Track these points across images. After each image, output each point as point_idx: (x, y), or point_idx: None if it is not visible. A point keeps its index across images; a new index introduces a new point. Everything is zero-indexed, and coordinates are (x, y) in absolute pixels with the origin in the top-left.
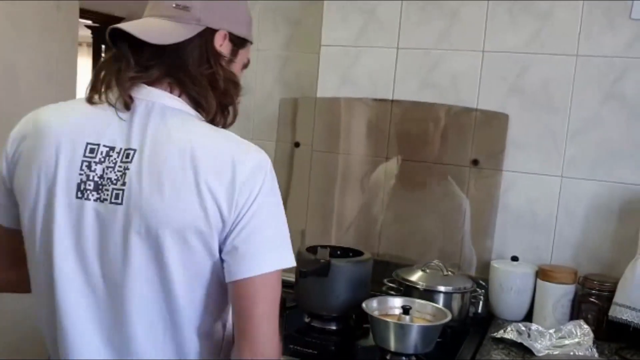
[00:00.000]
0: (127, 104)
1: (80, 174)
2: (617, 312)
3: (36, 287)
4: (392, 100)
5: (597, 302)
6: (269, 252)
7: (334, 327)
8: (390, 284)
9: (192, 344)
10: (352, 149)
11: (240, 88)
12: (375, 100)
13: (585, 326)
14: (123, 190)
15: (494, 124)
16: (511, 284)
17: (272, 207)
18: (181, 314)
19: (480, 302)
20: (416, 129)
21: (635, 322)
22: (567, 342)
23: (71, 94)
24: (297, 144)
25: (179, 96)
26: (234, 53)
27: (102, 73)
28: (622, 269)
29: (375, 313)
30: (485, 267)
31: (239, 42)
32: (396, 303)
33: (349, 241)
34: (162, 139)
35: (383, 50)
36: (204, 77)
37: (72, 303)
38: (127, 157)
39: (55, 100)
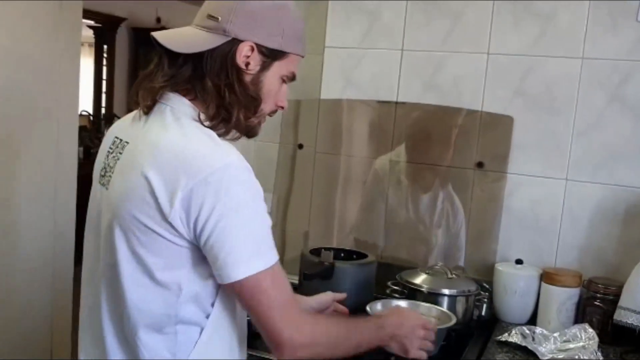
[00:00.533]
0: (147, 108)
1: (104, 162)
2: (622, 316)
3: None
4: (396, 103)
5: (602, 305)
6: (246, 260)
7: None
8: (395, 287)
9: (144, 338)
10: (356, 151)
11: (259, 103)
12: (379, 102)
13: (590, 330)
14: (111, 177)
15: (498, 127)
16: (515, 287)
17: (235, 216)
18: (127, 306)
19: (485, 305)
20: (420, 131)
21: None
22: (571, 345)
23: (74, 93)
24: (300, 146)
25: (192, 100)
26: (266, 65)
27: (138, 82)
28: (627, 273)
29: None
30: (489, 270)
31: (272, 54)
32: (401, 305)
33: (353, 243)
34: (142, 134)
35: (387, 52)
36: (217, 86)
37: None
38: (123, 148)
39: (58, 98)
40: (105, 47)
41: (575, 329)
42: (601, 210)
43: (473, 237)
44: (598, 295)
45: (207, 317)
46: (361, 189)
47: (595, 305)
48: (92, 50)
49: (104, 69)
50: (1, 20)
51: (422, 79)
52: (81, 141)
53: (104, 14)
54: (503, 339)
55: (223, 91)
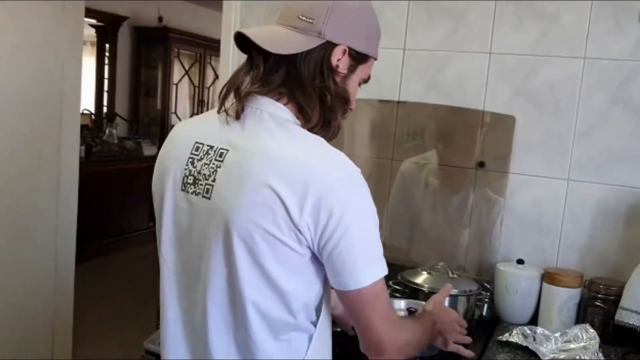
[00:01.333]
0: (238, 114)
1: (186, 169)
2: (624, 317)
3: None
4: (398, 102)
5: (603, 306)
6: (363, 268)
7: (338, 329)
8: (396, 287)
9: (261, 344)
10: (358, 150)
11: (350, 105)
12: (381, 101)
13: (591, 330)
14: (213, 186)
15: (500, 127)
16: (517, 287)
17: (361, 222)
18: (246, 313)
19: (486, 305)
20: (422, 130)
21: None
22: (572, 346)
23: (76, 92)
24: None
25: (286, 104)
26: (353, 68)
27: (229, 84)
28: (628, 273)
29: None
30: (491, 270)
31: (359, 58)
32: (401, 305)
33: None
34: (251, 142)
35: (389, 51)
36: (315, 89)
37: (166, 288)
38: (220, 156)
39: (61, 97)
40: (107, 45)
41: (577, 329)
42: (603, 211)
43: (475, 236)
44: (599, 295)
45: (312, 323)
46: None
47: (597, 305)
48: (94, 49)
49: (106, 67)
50: (4, 19)
51: (425, 78)
52: (83, 140)
53: (106, 13)
54: (504, 339)
55: (322, 95)
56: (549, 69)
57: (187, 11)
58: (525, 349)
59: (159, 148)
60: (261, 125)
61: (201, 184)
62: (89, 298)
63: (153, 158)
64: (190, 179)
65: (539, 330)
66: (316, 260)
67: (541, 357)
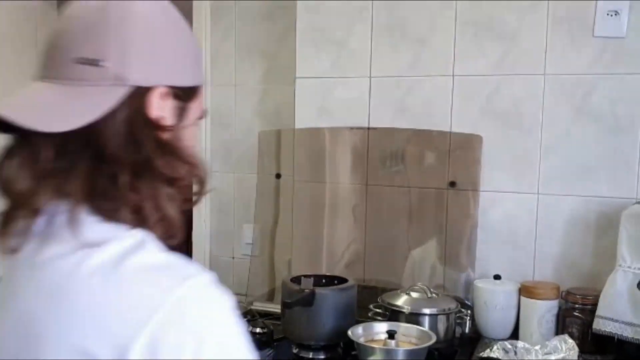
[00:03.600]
0: (5, 238)
1: None
2: (601, 325)
3: None
4: (369, 128)
5: (580, 315)
6: None
7: (322, 357)
8: (377, 310)
9: None
10: (333, 177)
11: (202, 165)
12: (352, 128)
13: (570, 340)
14: None
15: (468, 146)
16: (495, 302)
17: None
18: None
19: (467, 322)
20: (393, 154)
21: (619, 333)
22: (553, 357)
23: None
24: (278, 175)
25: (97, 212)
26: (182, 112)
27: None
28: (603, 282)
29: (361, 339)
30: (470, 287)
31: (187, 94)
32: (382, 328)
33: (336, 269)
34: (20, 286)
35: (356, 79)
36: (125, 168)
37: None
38: None
39: None
40: None
41: (556, 341)
42: (574, 222)
43: (451, 255)
44: (577, 305)
45: None
46: (340, 214)
47: (575, 315)
48: None
49: None
50: None
51: (392, 103)
52: None
53: None
54: (485, 355)
55: (138, 174)
56: (512, 87)
57: None
58: None
59: None
60: (51, 246)
61: None
62: None
63: None
64: None
65: (520, 344)
66: None
67: None
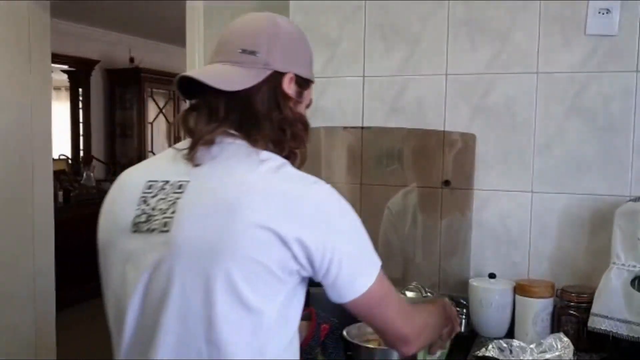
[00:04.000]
0: (193, 156)
1: (137, 209)
2: (596, 323)
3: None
4: (362, 128)
5: (575, 313)
6: (360, 276)
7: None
8: None
9: None
10: (327, 176)
11: (309, 128)
12: (346, 128)
13: (565, 339)
14: (172, 218)
15: (462, 145)
16: (490, 301)
17: (347, 235)
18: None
19: (463, 321)
20: (387, 154)
21: (614, 331)
22: (548, 356)
23: (47, 139)
24: None
25: (249, 141)
26: (300, 95)
27: (180, 126)
28: (598, 279)
29: (356, 340)
30: (465, 286)
31: (304, 84)
32: None
33: None
34: (219, 174)
35: (350, 79)
36: (273, 122)
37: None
38: (180, 187)
39: (32, 145)
40: (80, 90)
41: (551, 339)
42: (568, 220)
43: (446, 253)
44: (571, 303)
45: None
46: None
47: (570, 313)
48: (68, 94)
49: (80, 112)
50: None
51: (386, 103)
52: (60, 185)
53: (77, 58)
54: (480, 354)
55: (282, 125)
56: (505, 86)
57: (158, 50)
58: None
59: None
60: (233, 158)
61: (157, 219)
62: (72, 344)
63: None
64: (142, 218)
65: (515, 342)
66: (300, 289)
67: None
